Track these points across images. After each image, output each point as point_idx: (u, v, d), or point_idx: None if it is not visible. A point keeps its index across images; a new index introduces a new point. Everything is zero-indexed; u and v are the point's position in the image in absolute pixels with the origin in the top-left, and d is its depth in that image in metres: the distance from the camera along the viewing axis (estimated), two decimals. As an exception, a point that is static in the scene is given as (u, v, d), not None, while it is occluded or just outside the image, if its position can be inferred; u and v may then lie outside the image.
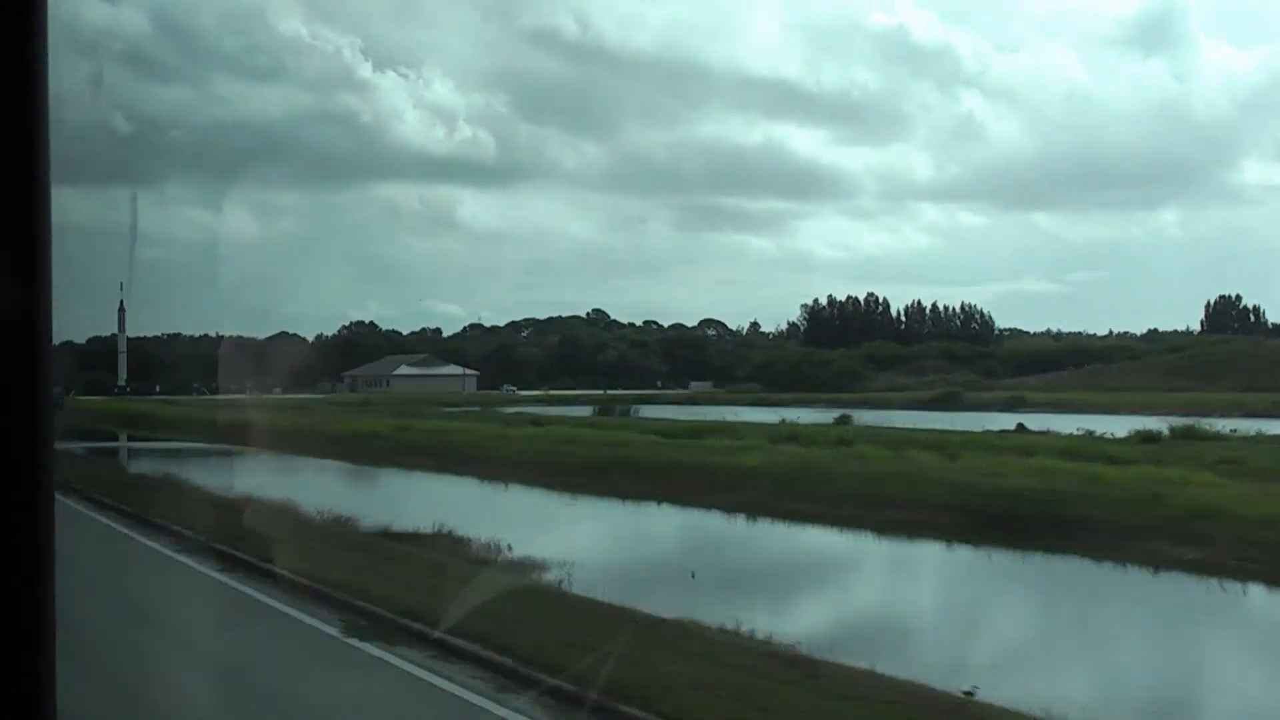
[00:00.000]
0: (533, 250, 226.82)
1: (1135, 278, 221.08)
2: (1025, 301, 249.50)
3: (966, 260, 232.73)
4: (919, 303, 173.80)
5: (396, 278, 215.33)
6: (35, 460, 1.63)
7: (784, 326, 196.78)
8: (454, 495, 44.24)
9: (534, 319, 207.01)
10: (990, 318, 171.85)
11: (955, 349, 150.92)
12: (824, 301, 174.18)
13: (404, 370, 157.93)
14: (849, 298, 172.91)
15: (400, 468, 54.36)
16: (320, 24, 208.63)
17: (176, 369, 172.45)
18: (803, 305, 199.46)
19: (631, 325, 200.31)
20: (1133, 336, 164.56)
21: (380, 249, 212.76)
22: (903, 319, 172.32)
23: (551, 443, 55.37)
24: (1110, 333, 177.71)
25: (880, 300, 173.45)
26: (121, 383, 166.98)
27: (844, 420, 71.21)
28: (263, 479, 49.14)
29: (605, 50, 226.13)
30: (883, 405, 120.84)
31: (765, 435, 56.98)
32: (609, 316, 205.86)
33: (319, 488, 43.38)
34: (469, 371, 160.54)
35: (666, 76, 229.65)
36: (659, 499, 40.32)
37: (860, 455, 43.46)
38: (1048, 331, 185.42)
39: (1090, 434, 55.13)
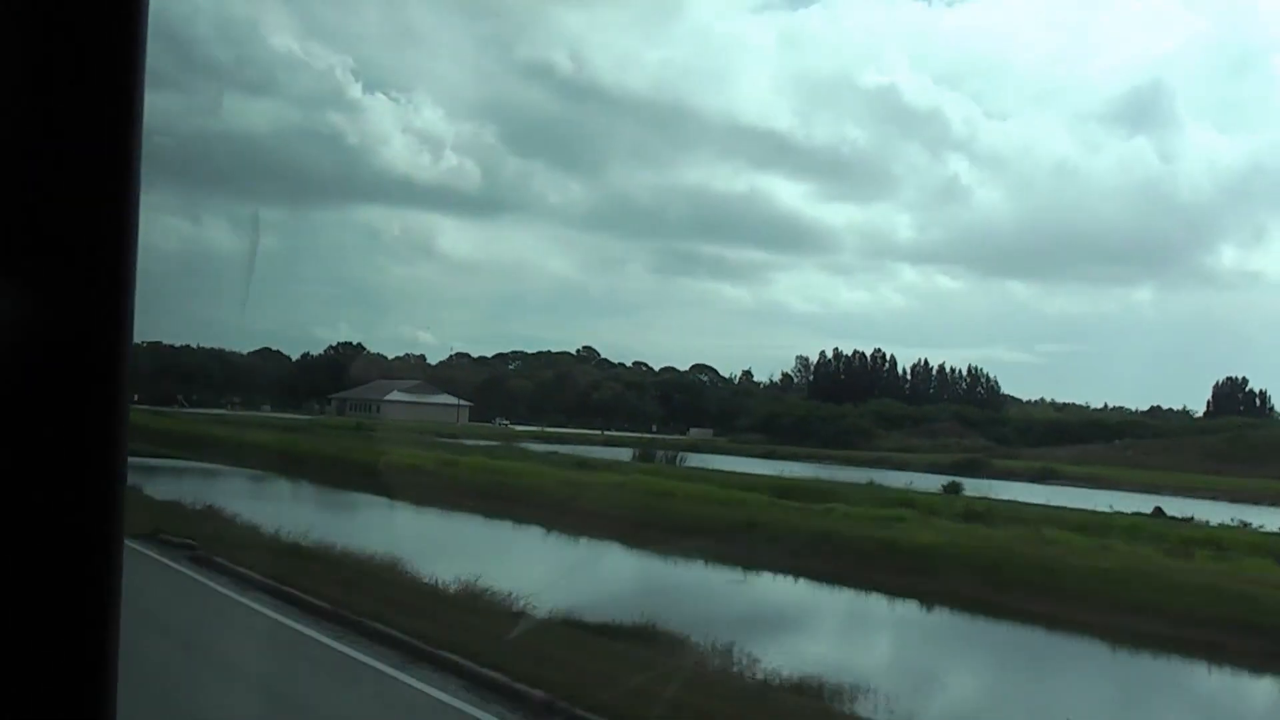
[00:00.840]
0: (509, 283, 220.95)
1: (1103, 352, 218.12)
2: (994, 369, 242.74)
3: (940, 323, 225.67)
4: (925, 362, 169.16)
5: (371, 301, 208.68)
6: (109, 467, 1.61)
7: (777, 377, 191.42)
8: (589, 561, 37.79)
9: (522, 352, 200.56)
10: (996, 382, 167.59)
11: (966, 413, 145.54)
12: (829, 355, 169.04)
13: (396, 396, 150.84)
14: (855, 353, 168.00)
15: (473, 513, 47.74)
16: (313, 40, 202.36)
17: (156, 379, 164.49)
18: (798, 357, 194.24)
19: (623, 365, 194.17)
20: (1136, 413, 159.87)
21: (356, 272, 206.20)
22: (908, 378, 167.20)
23: (642, 495, 48.93)
24: (1106, 406, 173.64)
25: (887, 358, 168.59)
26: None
27: (954, 489, 64.86)
28: (332, 519, 42.72)
29: (598, 89, 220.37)
30: (899, 466, 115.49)
31: (873, 500, 51.01)
32: (599, 354, 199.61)
33: (409, 539, 36.93)
34: (463, 402, 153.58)
35: (657, 119, 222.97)
36: (849, 582, 34.02)
37: (1052, 540, 37.31)
38: (1046, 400, 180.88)
39: (1245, 525, 49.19)
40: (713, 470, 70.17)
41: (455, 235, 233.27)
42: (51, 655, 1.58)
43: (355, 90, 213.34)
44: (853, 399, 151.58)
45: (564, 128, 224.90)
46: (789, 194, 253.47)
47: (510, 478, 55.34)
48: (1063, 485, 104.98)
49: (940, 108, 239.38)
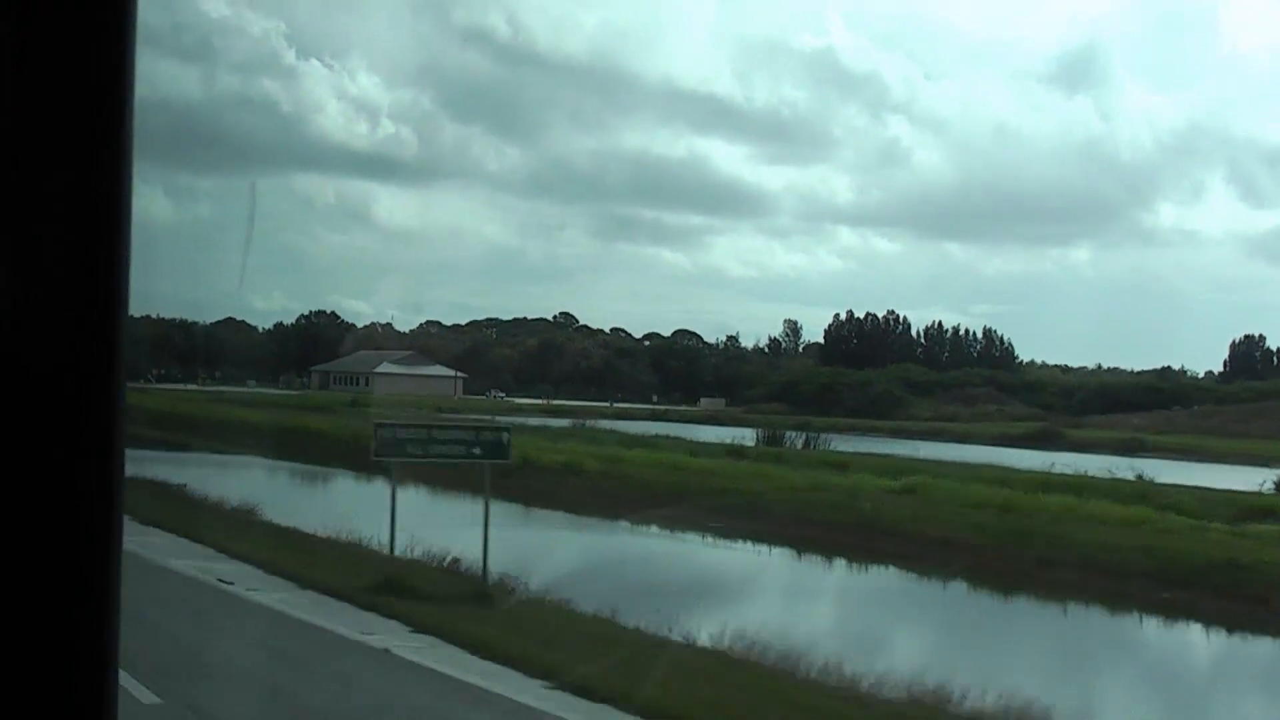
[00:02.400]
0: (445, 250, 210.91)
1: (1038, 312, 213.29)
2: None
3: (878, 286, 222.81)
4: (940, 324, 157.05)
5: (305, 270, 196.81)
6: (106, 452, 1.56)
7: (764, 343, 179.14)
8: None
9: (497, 319, 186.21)
10: (1011, 344, 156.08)
11: (999, 377, 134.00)
12: (842, 317, 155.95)
13: (387, 368, 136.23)
14: (868, 315, 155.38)
15: (787, 545, 34.64)
16: (245, 6, 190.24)
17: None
18: (786, 321, 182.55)
19: (602, 331, 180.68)
20: (1151, 373, 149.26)
21: (291, 240, 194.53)
22: (922, 341, 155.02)
23: (989, 512, 35.42)
24: (1099, 366, 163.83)
25: (901, 320, 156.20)
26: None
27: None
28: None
29: (536, 53, 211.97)
30: (960, 438, 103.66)
31: (1101, 492, 39.29)
32: (577, 321, 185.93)
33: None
34: (458, 374, 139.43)
35: (596, 83, 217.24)
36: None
37: None
38: (1037, 363, 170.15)
39: None
40: (878, 456, 57.41)
41: (391, 203, 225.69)
42: (49, 652, 1.53)
43: (289, 56, 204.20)
44: (867, 364, 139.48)
45: (502, 93, 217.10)
46: (728, 157, 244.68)
47: (726, 480, 42.00)
48: (1151, 457, 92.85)
49: (878, 69, 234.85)
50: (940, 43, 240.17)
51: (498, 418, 74.61)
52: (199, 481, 38.83)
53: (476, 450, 18.23)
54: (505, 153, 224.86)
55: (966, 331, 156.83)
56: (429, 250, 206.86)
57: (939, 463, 55.83)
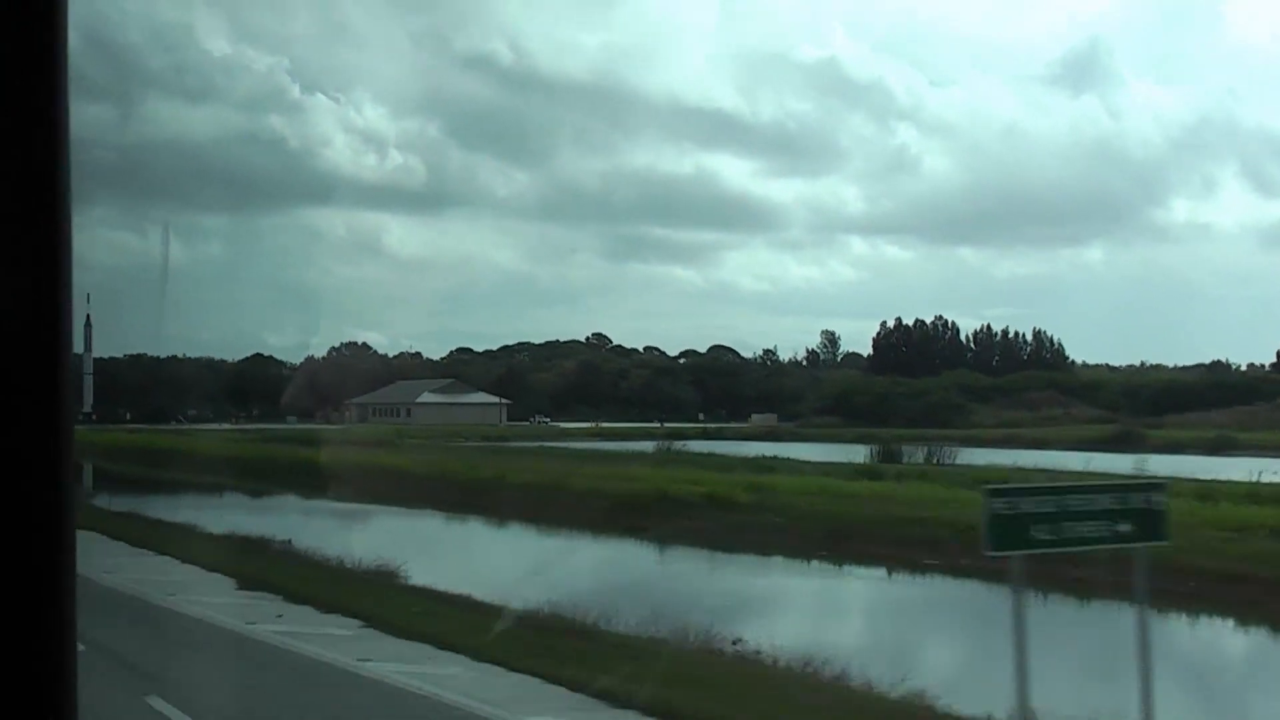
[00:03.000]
0: (456, 278, 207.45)
1: (1050, 313, 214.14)
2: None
3: (889, 293, 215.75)
4: (989, 328, 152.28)
5: (317, 304, 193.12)
6: (56, 483, 1.58)
7: (802, 355, 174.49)
8: None
9: (528, 343, 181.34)
10: (1062, 345, 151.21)
11: (1058, 379, 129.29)
12: (890, 325, 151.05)
13: (428, 398, 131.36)
14: (917, 321, 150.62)
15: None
16: (247, 44, 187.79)
17: (146, 393, 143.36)
18: (823, 332, 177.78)
19: (636, 351, 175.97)
20: (1199, 368, 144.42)
21: (301, 275, 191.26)
22: (972, 346, 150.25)
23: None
24: (1142, 364, 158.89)
25: (950, 325, 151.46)
26: (87, 409, 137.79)
27: None
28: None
29: (540, 77, 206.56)
30: (1036, 444, 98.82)
31: None
32: (610, 341, 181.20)
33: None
34: (502, 400, 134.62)
35: (601, 104, 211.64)
36: None
37: None
38: (1082, 363, 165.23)
39: None
40: (1004, 468, 52.49)
41: (401, 233, 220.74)
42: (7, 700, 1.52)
43: (294, 92, 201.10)
44: (917, 372, 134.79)
45: (507, 118, 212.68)
46: (736, 172, 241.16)
47: (906, 507, 37.09)
48: (1253, 455, 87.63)
49: (883, 77, 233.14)
50: (943, 48, 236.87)
51: (679, 444, 68.91)
52: (304, 534, 34.20)
53: (1125, 527, 12.32)
54: (514, 178, 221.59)
55: (1017, 334, 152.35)
56: (441, 279, 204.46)
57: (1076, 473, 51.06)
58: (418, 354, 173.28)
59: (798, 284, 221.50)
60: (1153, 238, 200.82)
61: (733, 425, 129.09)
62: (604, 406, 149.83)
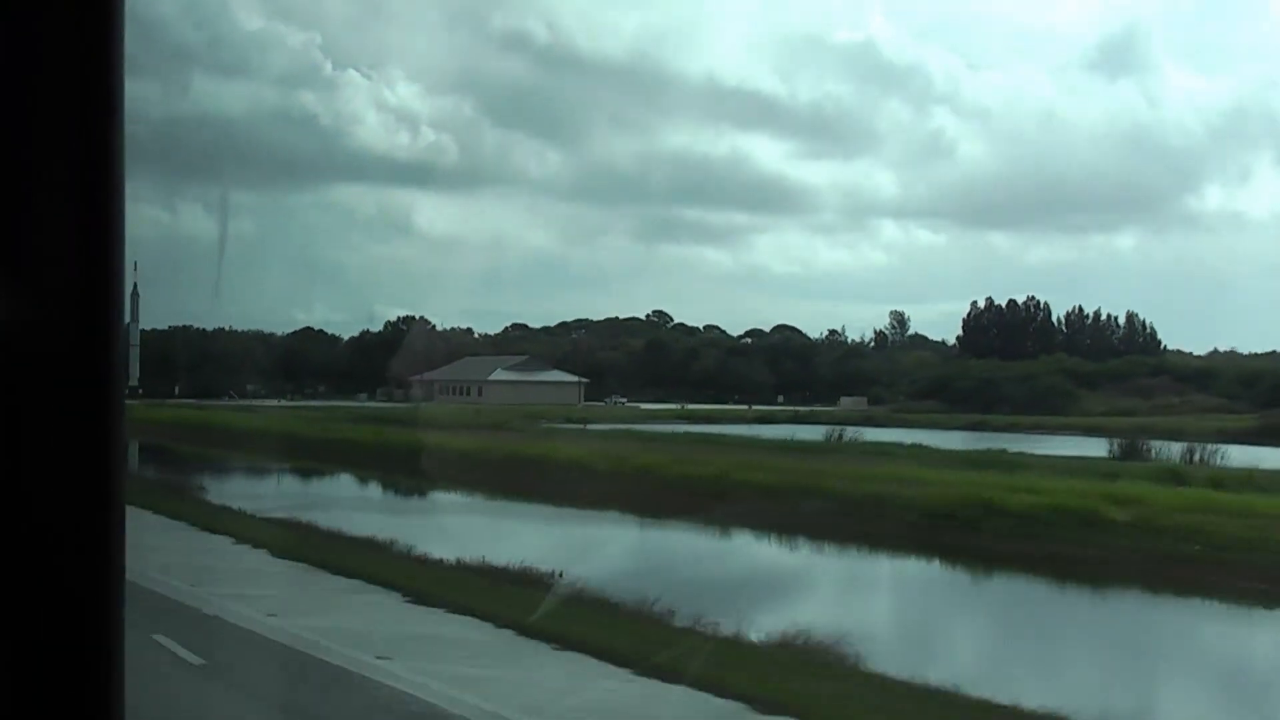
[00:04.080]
0: (488, 258, 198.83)
1: (1080, 300, 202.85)
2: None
3: (918, 278, 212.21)
4: (1080, 309, 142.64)
5: (344, 282, 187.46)
6: (106, 460, 1.55)
7: (869, 336, 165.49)
8: None
9: (587, 320, 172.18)
10: (1153, 329, 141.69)
11: (1166, 364, 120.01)
12: (981, 305, 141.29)
13: (501, 375, 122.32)
14: (1010, 302, 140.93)
15: None
16: (279, 20, 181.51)
17: (193, 367, 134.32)
18: (891, 313, 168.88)
19: (698, 330, 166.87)
20: (1237, 355, 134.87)
21: (332, 253, 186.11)
22: (1063, 328, 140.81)
23: None
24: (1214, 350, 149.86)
25: (1042, 306, 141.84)
26: (134, 383, 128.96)
27: None
28: None
29: (576, 56, 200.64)
30: (1171, 435, 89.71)
31: None
32: (672, 319, 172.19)
33: None
34: (580, 379, 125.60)
35: (637, 84, 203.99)
36: None
37: None
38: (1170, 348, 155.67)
39: None
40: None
41: (433, 212, 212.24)
42: (50, 666, 1.50)
43: (327, 68, 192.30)
44: (1009, 355, 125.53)
45: (543, 98, 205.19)
46: (771, 154, 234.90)
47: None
48: None
49: (921, 61, 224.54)
50: (981, 32, 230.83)
51: (838, 430, 58.74)
52: (557, 558, 25.30)
53: None
54: (547, 157, 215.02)
55: (1109, 318, 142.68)
56: (473, 258, 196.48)
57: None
58: (469, 330, 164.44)
59: (827, 267, 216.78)
60: (1186, 226, 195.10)
61: (823, 409, 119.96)
62: (676, 387, 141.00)
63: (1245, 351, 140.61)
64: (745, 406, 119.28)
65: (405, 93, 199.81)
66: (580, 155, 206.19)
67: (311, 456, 56.46)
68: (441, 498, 43.76)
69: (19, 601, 1.45)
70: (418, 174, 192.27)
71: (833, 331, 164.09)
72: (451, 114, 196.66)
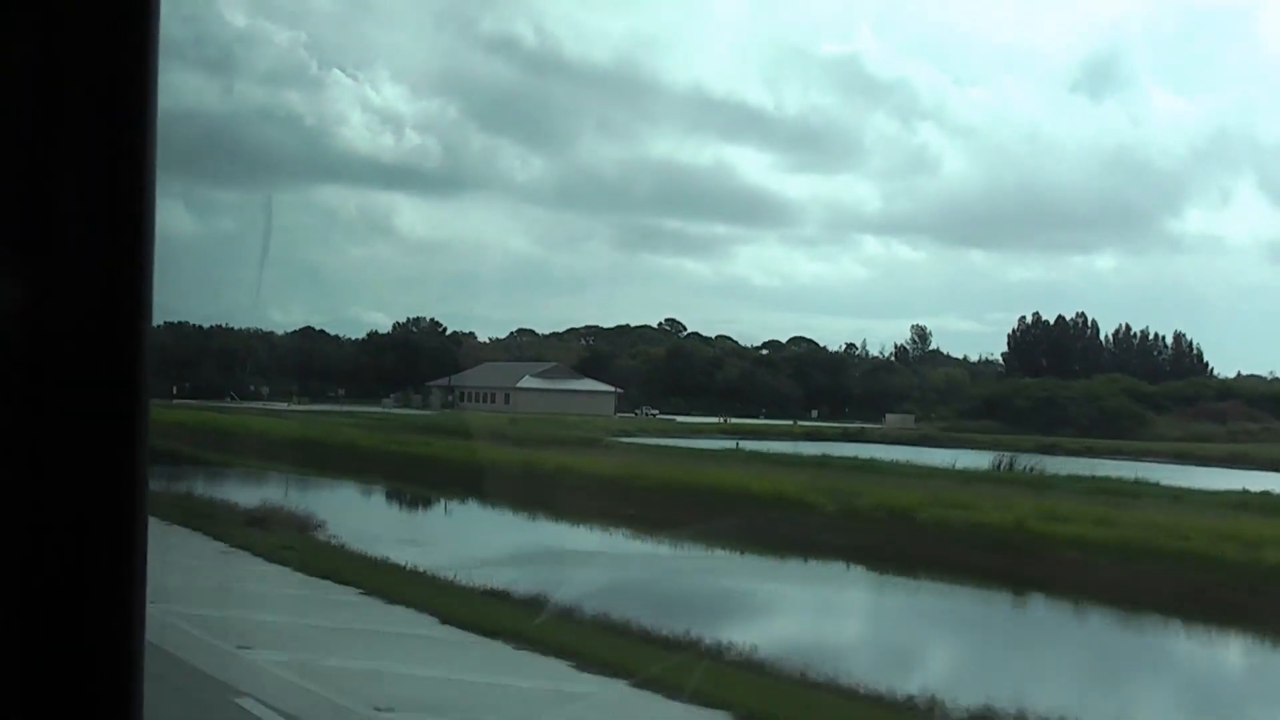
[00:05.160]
0: (466, 262, 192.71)
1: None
2: (942, 338, 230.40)
3: (894, 294, 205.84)
4: (1127, 328, 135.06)
5: (322, 283, 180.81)
6: (130, 462, 1.54)
7: (889, 350, 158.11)
8: None
9: (597, 327, 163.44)
10: (1200, 350, 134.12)
11: (1239, 387, 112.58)
12: (1028, 320, 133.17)
13: (530, 383, 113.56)
14: (1058, 318, 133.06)
15: None
16: (264, 17, 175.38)
17: (190, 365, 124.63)
18: (913, 326, 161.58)
19: (718, 339, 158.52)
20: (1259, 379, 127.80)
21: (310, 254, 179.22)
22: (1110, 347, 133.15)
23: None
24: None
25: (1090, 323, 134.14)
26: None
27: None
28: None
29: (563, 62, 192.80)
30: (1270, 467, 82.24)
31: None
32: (685, 328, 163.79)
33: None
34: (615, 389, 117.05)
35: (623, 92, 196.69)
36: None
37: None
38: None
39: None
40: None
41: (414, 215, 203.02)
42: (69, 665, 1.49)
43: (312, 68, 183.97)
44: (1059, 373, 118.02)
45: (528, 103, 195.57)
46: (755, 165, 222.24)
47: None
48: None
49: (907, 76, 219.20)
50: (968, 49, 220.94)
51: (1007, 456, 48.78)
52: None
53: None
54: (531, 163, 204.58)
55: (1156, 337, 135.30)
56: (451, 261, 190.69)
57: None
58: (471, 334, 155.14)
59: (806, 280, 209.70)
60: (1166, 248, 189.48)
61: (868, 426, 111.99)
62: (699, 398, 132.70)
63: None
64: (791, 422, 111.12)
65: (390, 94, 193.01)
66: (564, 161, 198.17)
67: (396, 476, 48.07)
68: (649, 547, 34.64)
69: (39, 609, 1.43)
70: (400, 176, 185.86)
71: (850, 345, 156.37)
72: (436, 117, 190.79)
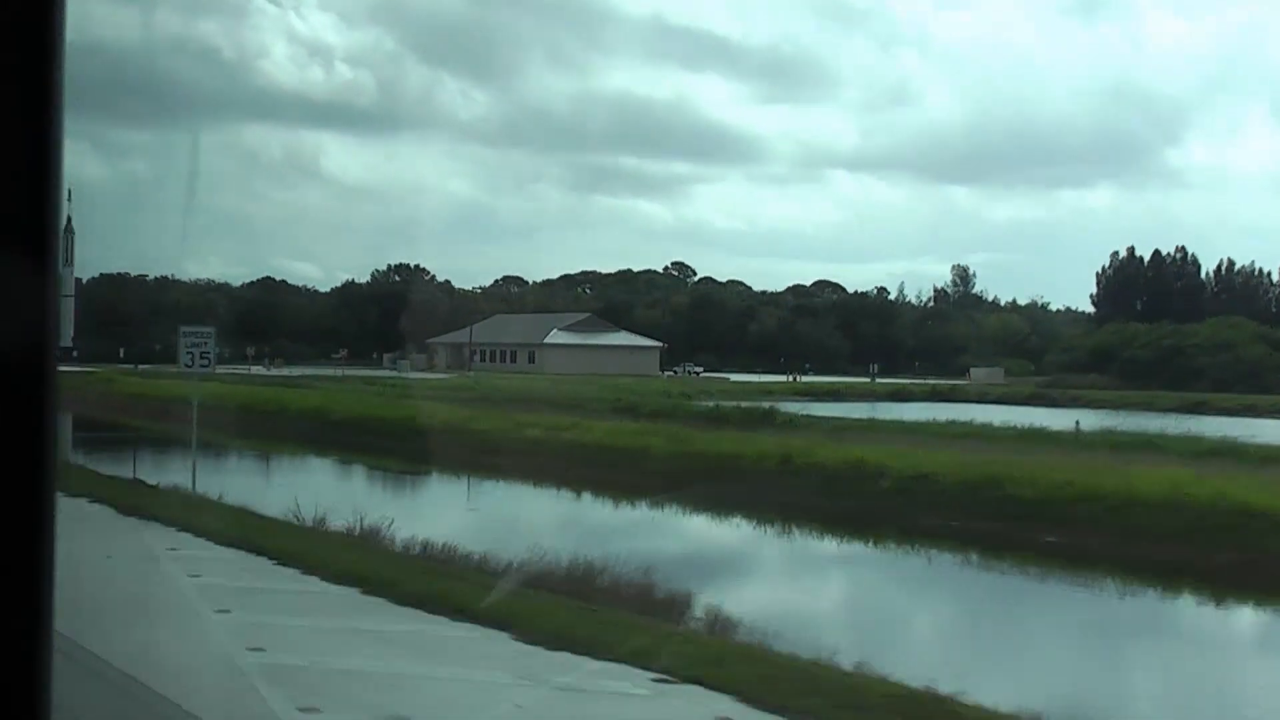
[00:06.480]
0: (404, 207, 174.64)
1: (1038, 261, 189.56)
2: (918, 283, 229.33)
3: (870, 235, 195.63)
4: (1230, 262, 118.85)
5: (244, 231, 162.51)
6: (37, 447, 1.42)
7: (929, 295, 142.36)
8: None
9: (594, 272, 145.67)
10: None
11: None
12: (1123, 255, 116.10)
13: (558, 337, 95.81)
14: (1155, 253, 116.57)
15: None
16: None
17: (135, 324, 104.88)
18: (954, 267, 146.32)
19: (729, 284, 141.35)
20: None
21: (229, 199, 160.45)
22: (1213, 284, 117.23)
23: None
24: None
25: (1190, 259, 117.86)
26: (67, 343, 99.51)
27: None
28: None
29: None
30: None
31: None
32: (693, 271, 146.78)
33: None
34: (659, 344, 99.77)
35: (576, 18, 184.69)
36: None
37: None
38: None
39: None
40: None
41: (344, 156, 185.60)
42: None
43: None
44: (1157, 317, 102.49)
45: (471, 32, 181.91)
46: (720, 97, 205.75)
47: None
48: None
49: None
50: None
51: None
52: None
53: None
54: (474, 98, 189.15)
55: (1259, 271, 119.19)
56: (388, 207, 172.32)
57: None
58: (446, 281, 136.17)
59: (774, 223, 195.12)
60: (1165, 182, 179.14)
61: (957, 383, 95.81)
62: (733, 353, 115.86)
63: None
64: (868, 379, 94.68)
65: (318, 23, 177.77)
66: (510, 97, 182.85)
67: (634, 481, 30.92)
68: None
69: None
70: (329, 114, 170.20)
71: (881, 289, 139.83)
72: (370, 49, 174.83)
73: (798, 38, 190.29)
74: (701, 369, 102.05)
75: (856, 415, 51.68)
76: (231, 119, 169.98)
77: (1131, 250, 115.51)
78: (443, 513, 29.30)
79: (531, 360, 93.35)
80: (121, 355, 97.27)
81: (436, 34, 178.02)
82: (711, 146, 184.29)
